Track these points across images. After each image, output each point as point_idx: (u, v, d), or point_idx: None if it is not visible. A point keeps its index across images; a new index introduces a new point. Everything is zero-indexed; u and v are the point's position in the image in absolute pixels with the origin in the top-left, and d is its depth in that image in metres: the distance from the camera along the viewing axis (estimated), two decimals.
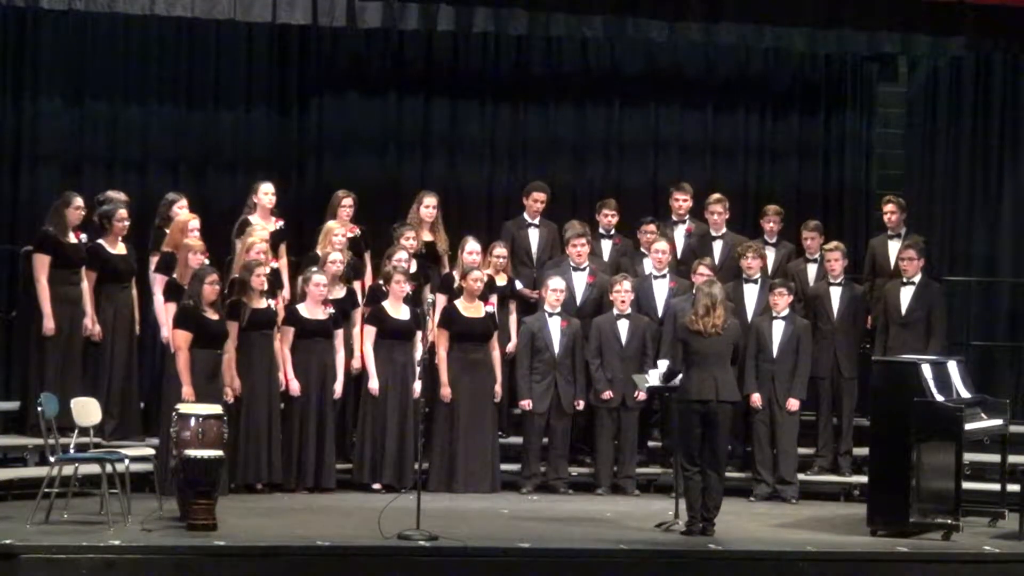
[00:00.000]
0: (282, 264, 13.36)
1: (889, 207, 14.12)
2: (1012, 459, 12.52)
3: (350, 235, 13.38)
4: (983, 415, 12.06)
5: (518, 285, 13.88)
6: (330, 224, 13.30)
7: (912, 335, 13.44)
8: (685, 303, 13.29)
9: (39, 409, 11.22)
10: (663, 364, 12.31)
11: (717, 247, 14.06)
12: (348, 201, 13.55)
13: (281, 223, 13.39)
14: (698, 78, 15.76)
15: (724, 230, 14.14)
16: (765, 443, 13.29)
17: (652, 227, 14.00)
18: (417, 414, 12.65)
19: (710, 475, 11.45)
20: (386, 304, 13.10)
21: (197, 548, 10.48)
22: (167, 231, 12.85)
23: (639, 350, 13.36)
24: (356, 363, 13.10)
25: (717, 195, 14.21)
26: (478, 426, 13.20)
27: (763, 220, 14.20)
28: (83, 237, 12.73)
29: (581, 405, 13.41)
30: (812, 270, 13.98)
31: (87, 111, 14.49)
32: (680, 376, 11.66)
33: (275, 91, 15.03)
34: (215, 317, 12.07)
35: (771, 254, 14.09)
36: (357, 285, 13.46)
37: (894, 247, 13.91)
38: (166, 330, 12.42)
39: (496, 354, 13.37)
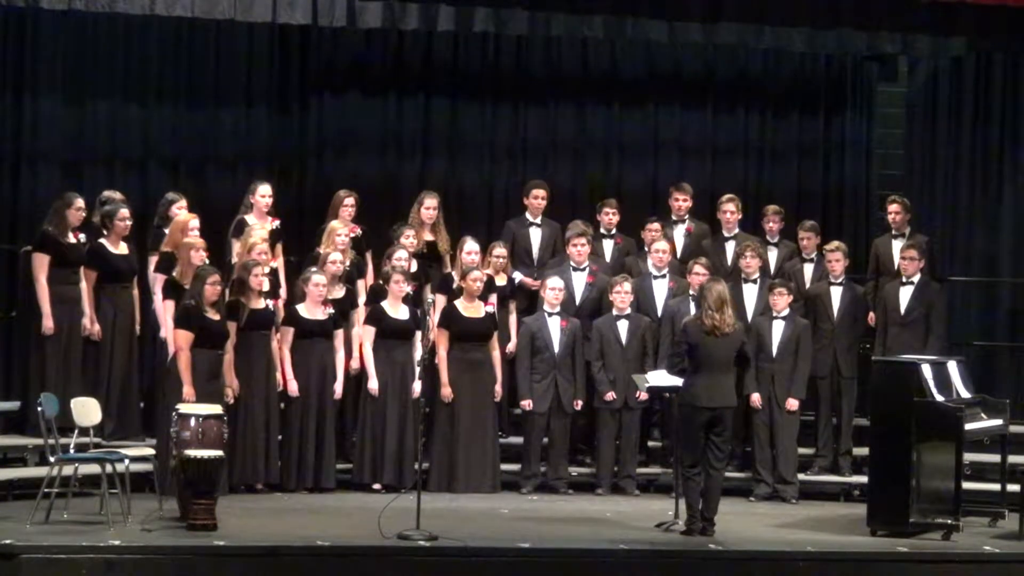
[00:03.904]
0: (279, 264, 13.35)
1: (893, 207, 14.12)
2: (1012, 459, 12.51)
3: (352, 235, 13.38)
4: (983, 415, 12.07)
5: (518, 276, 13.86)
6: (333, 224, 13.30)
7: (911, 335, 13.44)
8: (683, 304, 13.31)
9: (39, 409, 11.22)
10: (659, 374, 12.23)
11: (729, 247, 14.02)
12: (350, 201, 13.56)
13: (277, 223, 13.38)
14: (698, 78, 15.76)
15: (736, 230, 14.10)
16: (765, 443, 13.29)
17: (656, 226, 14.00)
18: (417, 414, 12.66)
19: (712, 475, 11.44)
20: (385, 304, 13.10)
21: (197, 548, 10.49)
22: (167, 231, 12.85)
23: (639, 350, 13.36)
24: (354, 363, 13.10)
25: (729, 195, 14.18)
26: (478, 426, 13.19)
27: (764, 220, 14.20)
28: (82, 237, 12.73)
29: (579, 405, 13.41)
30: (808, 270, 13.98)
31: (87, 111, 14.47)
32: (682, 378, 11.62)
33: (275, 91, 15.03)
34: (216, 317, 12.06)
35: (773, 254, 14.09)
36: (360, 284, 13.47)
37: (898, 247, 13.89)
38: (165, 330, 12.42)
39: (496, 354, 13.37)
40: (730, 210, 14.07)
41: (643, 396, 13.17)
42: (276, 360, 12.72)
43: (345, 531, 11.18)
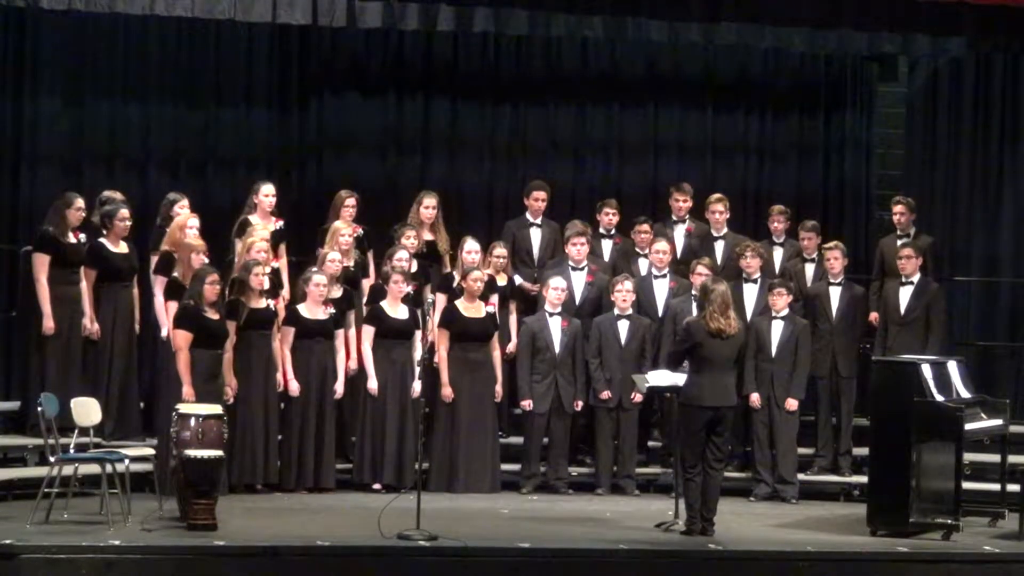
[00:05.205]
0: (282, 264, 13.36)
1: (898, 208, 14.15)
2: (1012, 459, 12.51)
3: (355, 235, 13.38)
4: (983, 415, 12.07)
5: (518, 280, 13.87)
6: (337, 224, 13.29)
7: (911, 335, 13.45)
8: (684, 303, 13.31)
9: (39, 409, 11.22)
10: (659, 374, 12.18)
11: (719, 247, 14.04)
12: (351, 201, 13.55)
13: (281, 223, 13.38)
14: (698, 78, 15.76)
15: (725, 230, 14.12)
16: (765, 443, 13.29)
17: (645, 227, 13.99)
18: (417, 414, 12.66)
19: (712, 474, 11.44)
20: (385, 304, 13.10)
21: (197, 548, 10.48)
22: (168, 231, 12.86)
23: (639, 350, 13.36)
24: (352, 364, 13.10)
25: (717, 195, 14.21)
26: (478, 426, 13.19)
27: (769, 220, 14.20)
28: (82, 237, 12.73)
29: (580, 405, 13.41)
30: (810, 270, 14.00)
31: (87, 111, 14.48)
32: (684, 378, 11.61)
33: (275, 91, 15.04)
34: (215, 317, 12.06)
35: (778, 253, 14.10)
36: (365, 284, 13.47)
37: None
38: (166, 329, 12.43)
39: (496, 354, 13.37)
40: (719, 210, 14.07)
41: (638, 398, 13.17)
42: (276, 360, 12.72)
43: (345, 531, 11.17)
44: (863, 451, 13.21)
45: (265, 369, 12.63)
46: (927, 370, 11.76)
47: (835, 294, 13.64)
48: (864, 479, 12.77)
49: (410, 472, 12.68)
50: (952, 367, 12.12)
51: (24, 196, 14.21)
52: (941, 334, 13.64)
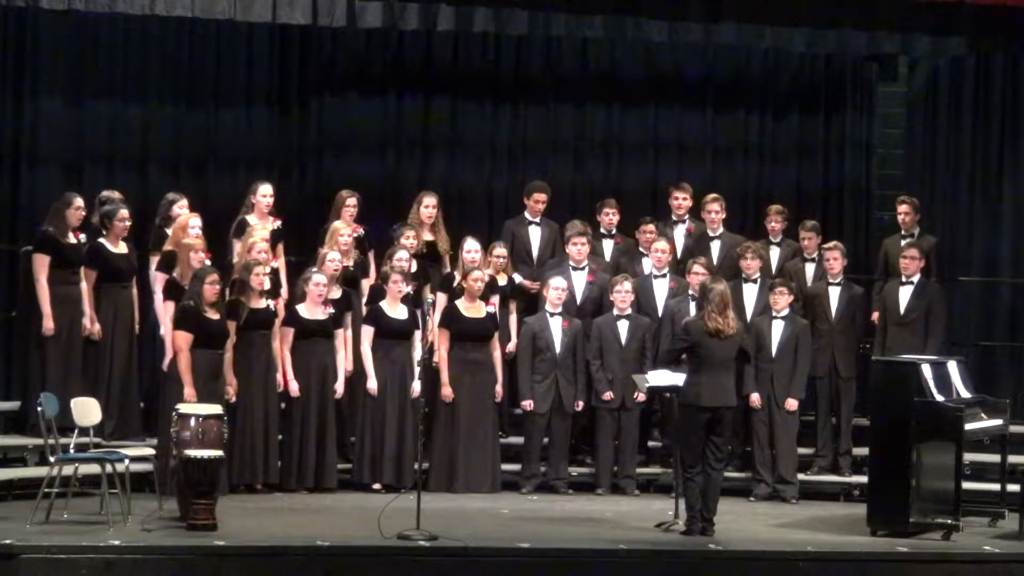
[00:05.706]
0: (280, 264, 13.36)
1: (903, 208, 14.13)
2: (1012, 459, 12.52)
3: (355, 235, 13.38)
4: (983, 415, 12.06)
5: (517, 278, 13.86)
6: (336, 224, 13.29)
7: (910, 335, 13.44)
8: (683, 303, 13.31)
9: (39, 409, 11.21)
10: (659, 374, 12.16)
11: (715, 247, 14.04)
12: (352, 201, 13.55)
13: (279, 223, 13.38)
14: (698, 78, 15.74)
15: (721, 230, 14.12)
16: (765, 443, 13.29)
17: (651, 227, 13.99)
18: (417, 414, 12.65)
19: (712, 474, 11.44)
20: (384, 304, 13.10)
21: (197, 548, 10.49)
22: (168, 231, 12.85)
23: (639, 350, 13.35)
24: (349, 365, 13.09)
25: (714, 195, 14.20)
26: (478, 426, 13.19)
27: (767, 220, 14.20)
28: (82, 237, 12.73)
29: (580, 406, 13.41)
30: (810, 270, 13.99)
31: (87, 111, 14.48)
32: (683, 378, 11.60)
33: (275, 91, 15.04)
34: (215, 317, 12.06)
35: (775, 253, 14.09)
36: (365, 284, 13.47)
37: None
38: (165, 329, 12.42)
39: (497, 354, 13.37)
40: (715, 210, 14.06)
41: (641, 397, 13.18)
42: (276, 360, 12.72)
43: (345, 531, 11.18)
44: (863, 451, 13.21)
45: (265, 369, 12.63)
46: (927, 370, 11.76)
47: (834, 294, 13.63)
48: (864, 479, 12.76)
49: (410, 472, 12.68)
50: (952, 367, 12.12)
51: (24, 196, 14.21)
52: (941, 334, 13.64)
